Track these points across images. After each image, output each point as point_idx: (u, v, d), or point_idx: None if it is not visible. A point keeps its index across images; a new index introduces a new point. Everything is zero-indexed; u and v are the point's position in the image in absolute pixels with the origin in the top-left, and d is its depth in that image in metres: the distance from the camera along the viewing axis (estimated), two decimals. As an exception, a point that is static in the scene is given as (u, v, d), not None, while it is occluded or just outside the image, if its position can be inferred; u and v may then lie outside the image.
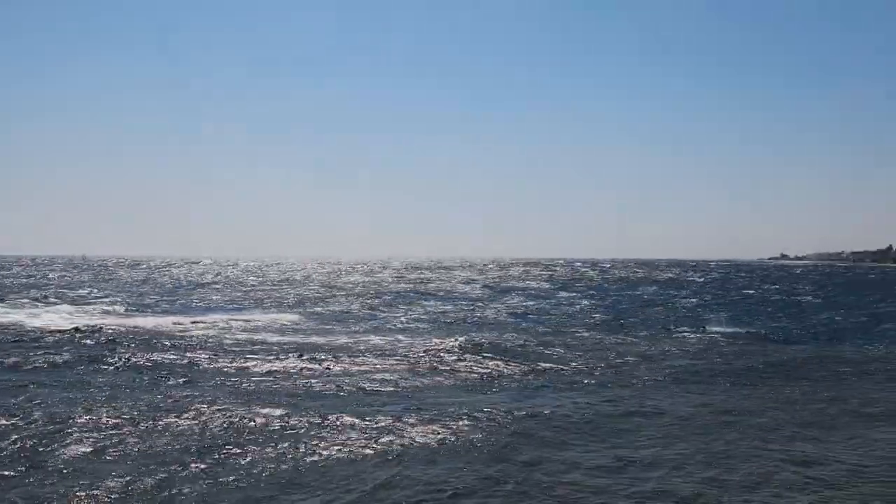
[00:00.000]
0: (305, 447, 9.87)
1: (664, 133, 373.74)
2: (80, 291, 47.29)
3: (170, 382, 14.79)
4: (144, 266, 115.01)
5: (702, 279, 77.20)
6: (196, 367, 16.64)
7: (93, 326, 23.97)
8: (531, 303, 41.60)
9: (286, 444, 9.99)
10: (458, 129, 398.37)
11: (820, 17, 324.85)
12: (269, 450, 9.73)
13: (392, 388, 14.49)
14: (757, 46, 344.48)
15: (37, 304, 35.68)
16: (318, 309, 35.62)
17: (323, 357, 18.16)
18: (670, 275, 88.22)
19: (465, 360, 18.18)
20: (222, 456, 9.44)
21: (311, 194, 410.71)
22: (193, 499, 7.97)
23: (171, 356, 18.05)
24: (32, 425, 10.82)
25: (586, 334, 25.19)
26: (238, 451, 9.66)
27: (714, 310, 37.09)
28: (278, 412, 11.78)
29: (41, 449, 9.65)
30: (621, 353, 19.65)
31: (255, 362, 17.32)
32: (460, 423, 11.24)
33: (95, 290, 48.53)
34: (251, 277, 75.49)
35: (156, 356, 17.97)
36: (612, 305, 39.81)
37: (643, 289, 57.56)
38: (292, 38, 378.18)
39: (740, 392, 14.26)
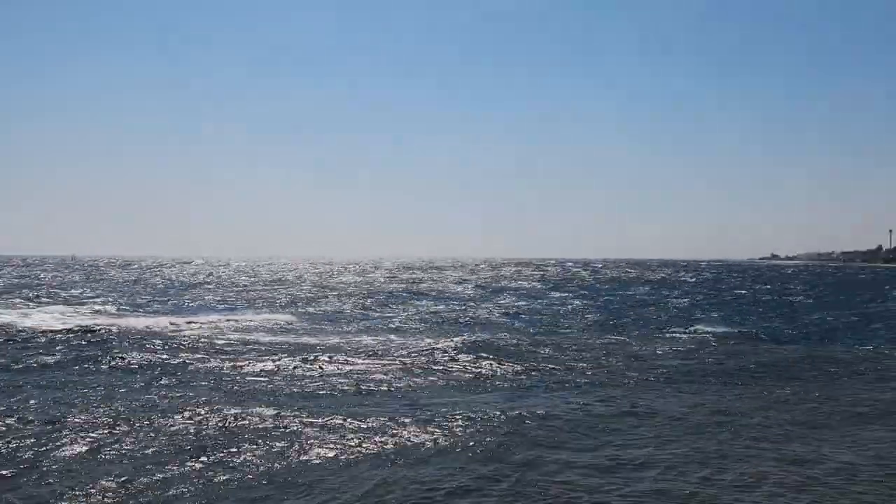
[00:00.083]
0: (299, 447, 9.88)
1: (657, 134, 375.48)
2: (73, 292, 47.14)
3: (163, 382, 14.77)
4: (136, 266, 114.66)
5: (693, 279, 77.46)
6: (189, 368, 16.62)
7: (85, 327, 23.91)
8: (523, 303, 41.65)
9: (280, 445, 10.00)
10: (458, 129, 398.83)
11: (817, 17, 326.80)
12: (263, 450, 9.74)
13: (385, 389, 14.51)
14: (749, 47, 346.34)
15: (28, 304, 35.56)
16: (311, 309, 35.59)
17: (316, 357, 18.14)
18: (662, 275, 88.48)
19: (458, 360, 18.19)
20: (217, 456, 9.44)
21: (311, 194, 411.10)
22: (189, 499, 7.97)
23: (164, 356, 18.01)
24: (27, 426, 10.81)
25: (578, 334, 25.26)
26: (232, 451, 9.66)
27: (706, 310, 37.23)
28: (272, 412, 11.79)
29: (36, 449, 9.63)
30: (614, 354, 19.70)
31: (248, 362, 17.30)
32: (454, 423, 11.26)
33: (87, 291, 48.37)
34: (243, 277, 75.35)
35: (148, 356, 17.94)
36: (605, 306, 39.89)
37: (635, 289, 57.72)
38: (292, 38, 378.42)
39: (732, 392, 14.33)
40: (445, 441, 10.27)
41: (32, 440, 10.03)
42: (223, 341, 21.44)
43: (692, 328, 27.49)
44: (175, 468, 8.94)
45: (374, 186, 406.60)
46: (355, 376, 15.74)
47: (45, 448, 9.70)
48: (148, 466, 8.96)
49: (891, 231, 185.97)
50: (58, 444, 9.87)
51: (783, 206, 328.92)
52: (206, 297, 44.18)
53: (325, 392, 14.07)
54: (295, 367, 16.73)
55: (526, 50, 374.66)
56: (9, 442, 9.94)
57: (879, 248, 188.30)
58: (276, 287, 56.77)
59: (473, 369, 16.96)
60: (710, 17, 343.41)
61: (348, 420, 11.36)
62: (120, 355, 17.89)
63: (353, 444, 10.08)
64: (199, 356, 18.16)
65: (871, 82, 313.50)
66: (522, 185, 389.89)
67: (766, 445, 10.08)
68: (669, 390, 14.51)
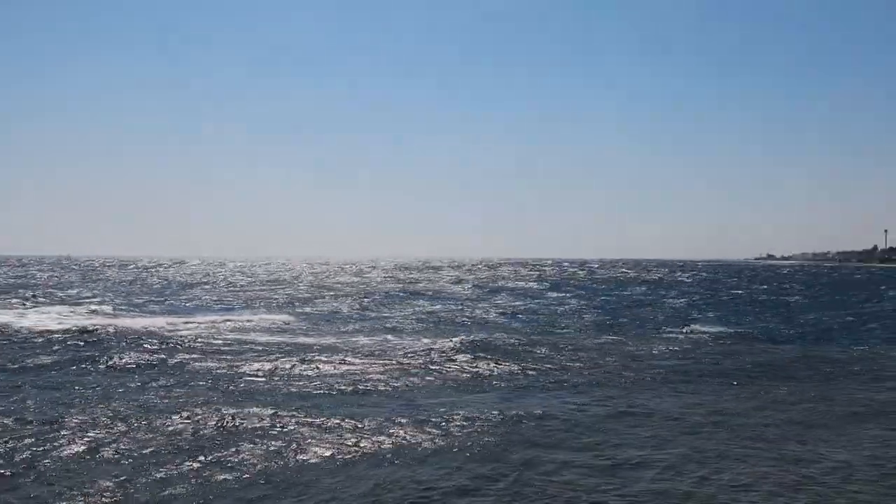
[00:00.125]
0: (297, 447, 9.90)
1: (654, 134, 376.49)
2: (70, 292, 47.07)
3: (160, 383, 14.77)
4: (132, 266, 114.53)
5: (690, 279, 77.58)
6: (186, 368, 16.63)
7: (82, 327, 23.88)
8: (521, 303, 41.69)
9: (278, 445, 10.02)
10: (458, 129, 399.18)
11: (816, 17, 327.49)
12: (260, 450, 9.76)
13: (383, 389, 14.53)
14: (745, 47, 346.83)
15: (25, 304, 35.51)
16: (308, 309, 35.59)
17: (313, 357, 18.16)
18: (659, 275, 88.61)
19: (455, 360, 18.22)
20: (214, 456, 9.45)
21: (311, 194, 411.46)
22: (186, 499, 7.99)
23: (161, 356, 18.02)
24: (25, 426, 10.81)
25: (575, 334, 25.31)
26: (230, 451, 9.68)
27: (702, 310, 37.31)
28: (269, 412, 11.81)
29: (34, 450, 9.64)
30: (611, 353, 19.75)
31: (245, 363, 17.31)
32: (451, 423, 11.29)
33: (84, 291, 48.31)
34: (241, 277, 75.31)
35: (146, 357, 17.95)
36: (601, 305, 39.94)
37: (632, 289, 57.80)
38: (292, 38, 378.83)
39: (729, 392, 14.38)
40: (443, 441, 10.30)
41: (30, 440, 10.03)
42: (220, 341, 21.45)
43: (689, 328, 27.55)
44: (173, 468, 8.96)
45: (374, 186, 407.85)
46: (352, 376, 15.76)
47: (43, 448, 9.70)
48: (146, 466, 8.98)
49: (886, 231, 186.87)
50: (56, 444, 9.87)
51: (779, 206, 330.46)
52: (203, 297, 44.15)
53: (322, 392, 14.09)
54: (292, 367, 16.74)
55: (526, 50, 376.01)
56: (7, 442, 9.94)
57: (875, 248, 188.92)
58: (273, 287, 56.76)
59: (470, 369, 16.99)
60: (709, 17, 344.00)
61: (346, 420, 11.38)
62: (117, 356, 17.88)
63: (350, 444, 10.11)
64: (197, 356, 18.17)
65: (867, 83, 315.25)
66: (522, 185, 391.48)
67: (763, 445, 10.13)
68: (666, 390, 14.56)
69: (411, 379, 15.63)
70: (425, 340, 22.29)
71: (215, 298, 43.47)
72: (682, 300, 44.86)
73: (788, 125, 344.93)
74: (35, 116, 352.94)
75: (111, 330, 23.12)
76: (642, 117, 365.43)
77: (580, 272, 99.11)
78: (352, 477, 8.72)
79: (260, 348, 20.00)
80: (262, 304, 39.19)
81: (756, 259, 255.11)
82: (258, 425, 11.02)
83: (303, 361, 17.52)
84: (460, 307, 38.03)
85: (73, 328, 23.49)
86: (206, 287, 56.52)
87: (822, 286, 63.25)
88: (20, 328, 24.02)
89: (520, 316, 33.31)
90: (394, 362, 17.75)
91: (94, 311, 32.14)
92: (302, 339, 22.60)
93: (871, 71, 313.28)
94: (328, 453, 9.66)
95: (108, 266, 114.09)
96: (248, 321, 28.43)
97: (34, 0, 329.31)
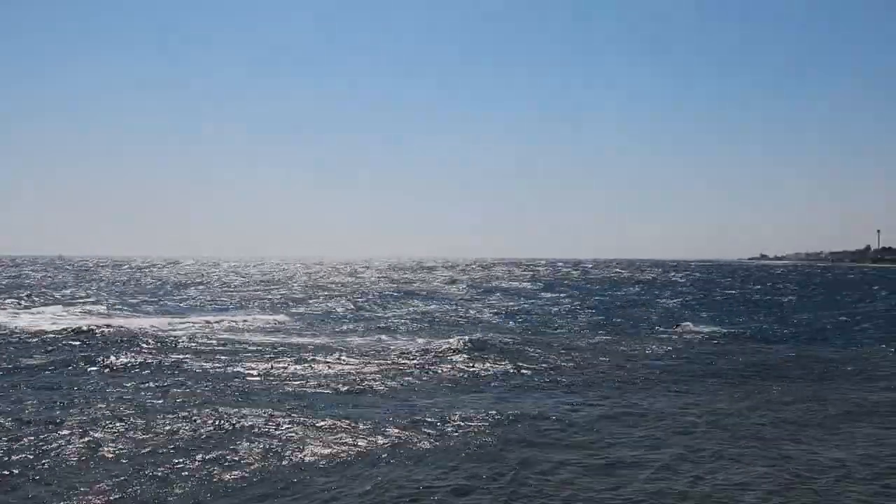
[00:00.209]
0: (293, 448, 9.92)
1: (648, 134, 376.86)
2: (65, 292, 46.95)
3: (156, 383, 14.76)
4: (126, 267, 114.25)
5: (684, 279, 77.75)
6: (182, 368, 16.62)
7: (77, 327, 23.84)
8: (515, 303, 41.75)
9: (274, 445, 10.04)
10: (457, 129, 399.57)
11: (808, 17, 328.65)
12: (257, 450, 9.78)
13: (378, 389, 14.56)
14: (739, 47, 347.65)
15: (20, 304, 35.43)
16: (303, 309, 35.60)
17: (308, 357, 18.18)
18: (652, 275, 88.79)
19: (450, 360, 18.27)
20: (210, 457, 9.47)
21: (311, 194, 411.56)
22: (184, 499, 8.02)
23: (157, 357, 18.00)
24: (21, 427, 10.80)
25: (570, 335, 25.37)
26: (226, 451, 9.69)
27: (696, 310, 37.42)
28: (265, 412, 11.82)
29: (32, 450, 9.64)
30: (605, 354, 19.82)
31: (240, 363, 17.31)
32: (447, 423, 11.33)
33: (79, 291, 48.20)
34: (235, 277, 75.22)
35: (141, 357, 17.93)
36: (596, 306, 40.01)
37: (626, 289, 57.92)
38: (292, 38, 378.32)
39: (723, 392, 14.45)
40: (439, 441, 10.34)
41: (27, 441, 10.03)
42: (215, 342, 21.44)
43: (683, 328, 27.64)
44: (169, 468, 8.97)
45: (374, 186, 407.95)
46: (348, 377, 15.79)
47: (40, 448, 9.70)
48: (143, 466, 8.99)
49: (879, 231, 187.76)
50: (53, 444, 9.87)
51: (772, 206, 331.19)
52: (197, 298, 44.11)
53: (317, 392, 14.11)
54: (287, 368, 16.76)
55: (526, 50, 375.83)
56: (4, 443, 9.94)
57: (868, 248, 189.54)
58: (267, 287, 56.71)
59: (465, 369, 17.03)
60: (709, 18, 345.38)
61: (341, 420, 11.41)
62: (112, 356, 17.86)
63: (346, 444, 10.13)
64: (192, 357, 18.17)
65: (861, 84, 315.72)
66: (522, 185, 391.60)
67: (758, 445, 10.20)
68: (660, 390, 14.63)
69: (406, 379, 15.67)
70: (420, 341, 22.34)
71: (209, 299, 43.43)
72: (675, 300, 44.97)
73: (781, 126, 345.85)
74: (35, 116, 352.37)
75: (106, 330, 23.09)
76: (630, 118, 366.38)
77: (574, 272, 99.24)
78: (348, 477, 8.76)
79: (255, 348, 20.01)
80: (256, 304, 39.17)
81: (749, 259, 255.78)
82: (254, 425, 11.03)
83: (297, 362, 17.54)
84: (455, 307, 38.07)
85: (68, 329, 23.44)
86: (201, 287, 56.44)
87: (816, 286, 63.48)
88: (14, 329, 23.97)
89: (515, 316, 33.36)
90: (389, 362, 17.78)
91: (88, 312, 32.09)
92: (296, 340, 22.62)
93: (865, 72, 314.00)
94: (324, 453, 9.69)
95: (102, 266, 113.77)
96: (243, 321, 28.42)
97: (34, 0, 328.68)
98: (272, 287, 56.90)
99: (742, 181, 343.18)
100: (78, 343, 20.53)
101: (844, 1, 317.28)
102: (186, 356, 18.22)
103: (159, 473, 8.78)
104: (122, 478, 8.58)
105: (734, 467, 9.12)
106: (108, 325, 24.43)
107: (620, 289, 58.47)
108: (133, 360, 17.52)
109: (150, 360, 17.45)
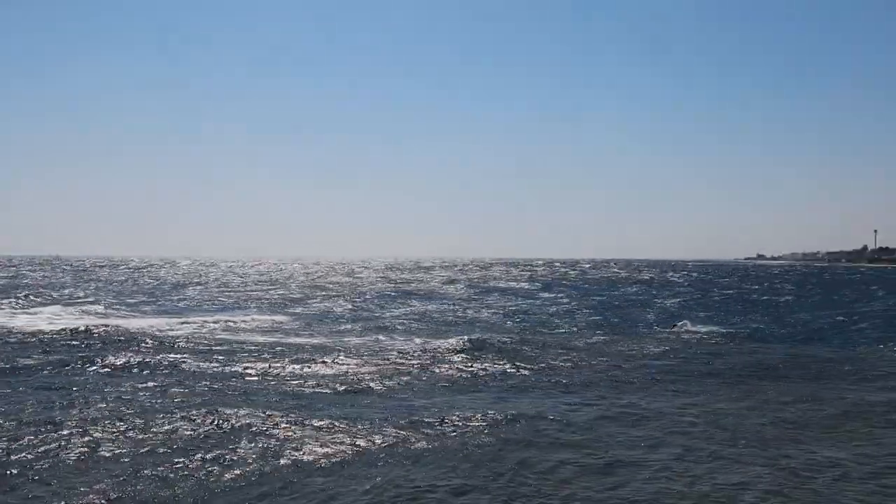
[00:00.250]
0: (292, 448, 9.92)
1: (646, 135, 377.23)
2: (63, 292, 46.91)
3: (154, 383, 14.77)
4: (123, 267, 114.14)
5: (682, 279, 77.83)
6: (180, 368, 16.63)
7: (75, 328, 23.83)
8: (513, 303, 41.78)
9: (273, 445, 10.04)
10: (458, 129, 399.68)
11: (807, 17, 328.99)
12: (256, 450, 9.79)
13: (376, 389, 14.57)
14: (737, 47, 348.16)
15: (18, 304, 35.40)
16: (301, 309, 35.60)
17: (306, 357, 18.20)
18: (650, 275, 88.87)
19: (448, 360, 18.29)
20: (209, 456, 9.47)
21: (311, 194, 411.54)
22: (182, 499, 8.03)
23: (155, 357, 18.00)
24: (20, 427, 10.80)
25: (568, 334, 25.40)
26: (224, 451, 9.70)
27: (694, 310, 37.46)
28: (263, 413, 11.83)
29: (30, 450, 9.64)
30: (603, 354, 19.86)
31: (238, 363, 17.32)
32: (445, 423, 11.35)
33: (78, 291, 48.16)
34: (233, 277, 75.18)
35: (140, 357, 17.93)
36: (594, 306, 40.05)
37: (624, 289, 57.96)
38: (292, 38, 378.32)
39: (722, 392, 14.48)
40: (437, 441, 10.35)
41: (25, 441, 10.02)
42: (213, 341, 21.45)
43: (681, 328, 27.66)
44: (167, 468, 8.98)
45: (374, 186, 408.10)
46: (346, 377, 15.80)
47: (38, 449, 9.70)
48: (140, 467, 9.00)
49: (876, 231, 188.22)
50: (51, 444, 9.87)
51: (769, 206, 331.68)
52: (195, 298, 44.10)
53: (315, 392, 14.12)
54: (285, 368, 16.77)
55: (526, 50, 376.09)
56: (2, 443, 9.94)
57: (864, 248, 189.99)
58: (265, 287, 56.70)
59: (464, 369, 17.05)
60: (708, 18, 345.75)
61: (340, 420, 11.42)
62: (111, 356, 17.86)
63: (345, 444, 10.14)
64: (190, 356, 18.17)
65: (858, 84, 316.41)
66: (521, 186, 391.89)
67: (756, 445, 10.23)
68: (658, 390, 14.66)
69: (404, 379, 15.68)
70: (418, 340, 22.37)
71: (207, 299, 43.42)
72: (673, 300, 45.02)
73: (779, 126, 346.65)
74: (35, 116, 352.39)
75: (104, 330, 23.09)
76: (627, 118, 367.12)
77: (571, 272, 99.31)
78: (347, 477, 8.77)
79: (253, 348, 20.02)
80: (254, 304, 39.17)
81: (746, 259, 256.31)
82: (252, 425, 11.04)
83: (296, 361, 17.56)
84: (453, 307, 38.10)
85: (67, 329, 23.43)
86: (199, 287, 56.41)
87: (813, 286, 63.56)
88: (13, 329, 23.96)
89: (513, 316, 33.39)
90: (387, 362, 17.80)
91: (86, 312, 32.07)
92: (295, 340, 22.63)
93: (861, 72, 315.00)
94: (323, 453, 9.70)
95: (99, 266, 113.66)
96: (241, 321, 28.43)
97: (34, 0, 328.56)
98: (270, 287, 56.90)
99: (739, 181, 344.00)
100: (76, 343, 20.53)
101: (844, 1, 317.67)
102: (184, 356, 18.22)
103: (158, 473, 8.79)
104: (120, 477, 8.59)
105: (732, 467, 9.15)
106: (106, 326, 24.44)
107: (618, 289, 58.52)
108: (131, 360, 17.52)
109: (148, 360, 17.45)
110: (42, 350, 19.18)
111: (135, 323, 26.97)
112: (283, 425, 11.09)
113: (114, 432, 10.57)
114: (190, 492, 8.23)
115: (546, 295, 49.29)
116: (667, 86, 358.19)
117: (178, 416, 11.59)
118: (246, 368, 16.61)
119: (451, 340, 21.38)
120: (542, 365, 17.74)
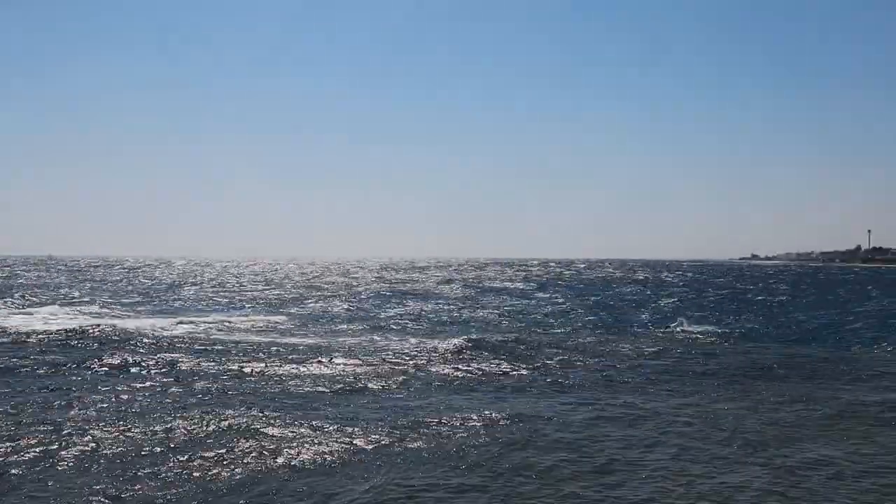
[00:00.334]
0: (288, 448, 9.93)
1: (645, 135, 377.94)
2: (59, 292, 46.81)
3: (150, 383, 14.77)
4: (118, 267, 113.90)
5: (677, 279, 77.95)
6: (176, 368, 16.63)
7: (71, 328, 23.80)
8: (508, 303, 41.81)
9: (269, 445, 10.05)
10: (457, 129, 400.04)
11: (805, 17, 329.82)
12: (252, 451, 9.79)
13: (373, 389, 14.58)
14: (732, 47, 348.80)
15: (13, 304, 35.32)
16: (297, 309, 35.59)
17: (303, 357, 18.20)
18: (646, 275, 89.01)
19: (444, 360, 18.31)
20: (206, 457, 9.48)
21: (311, 194, 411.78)
22: (179, 499, 8.04)
23: (152, 357, 17.99)
24: (18, 427, 10.81)
25: (564, 335, 25.43)
26: (222, 452, 9.71)
27: (690, 309, 37.52)
28: (260, 413, 11.86)
29: (29, 451, 9.65)
30: (599, 354, 19.90)
31: (234, 363, 17.32)
32: (442, 423, 11.38)
33: (73, 291, 48.07)
34: (228, 277, 75.09)
35: (136, 357, 17.92)
36: (589, 306, 40.08)
37: (619, 289, 58.03)
38: (292, 38, 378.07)
39: (717, 392, 14.53)
40: (433, 441, 10.38)
41: (23, 441, 10.03)
42: (211, 342, 21.44)
43: (676, 328, 27.74)
44: (164, 468, 8.99)
45: (373, 186, 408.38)
46: (342, 377, 15.82)
47: (37, 449, 9.71)
48: (138, 467, 9.01)
49: (869, 231, 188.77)
50: (49, 444, 9.88)
51: (763, 206, 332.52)
52: (191, 298, 44.04)
53: (312, 392, 14.12)
54: (281, 368, 16.77)
55: (525, 50, 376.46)
56: (1, 444, 9.95)
57: (858, 248, 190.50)
58: (262, 287, 56.65)
59: (460, 369, 17.07)
60: (707, 18, 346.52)
61: (336, 421, 11.44)
62: (107, 356, 17.85)
63: (341, 444, 10.16)
64: (188, 357, 18.16)
65: (852, 84, 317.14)
66: (518, 186, 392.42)
67: (752, 445, 10.28)
68: (654, 390, 14.71)
69: (400, 379, 15.69)
70: (414, 340, 22.39)
71: (203, 299, 43.38)
72: (668, 300, 45.09)
73: (773, 126, 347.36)
74: (35, 116, 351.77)
75: (100, 330, 23.07)
76: (624, 118, 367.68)
77: (566, 272, 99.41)
78: (344, 476, 8.80)
79: (249, 348, 20.01)
80: (250, 304, 39.15)
81: (741, 259, 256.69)
82: (249, 425, 11.06)
83: (291, 361, 17.56)
84: (448, 307, 38.12)
85: (64, 329, 23.40)
86: (195, 287, 56.34)
87: (808, 286, 63.73)
88: (8, 329, 23.91)
89: (509, 316, 33.42)
90: (383, 362, 17.82)
91: (82, 312, 32.02)
92: (290, 339, 22.63)
93: (857, 73, 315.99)
94: (319, 453, 9.72)
95: (94, 266, 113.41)
96: (237, 321, 28.41)
97: (34, 0, 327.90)
98: (266, 287, 56.86)
99: (733, 182, 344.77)
100: (72, 343, 20.52)
101: (840, 1, 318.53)
102: (181, 356, 18.21)
103: (155, 473, 8.80)
104: (118, 478, 8.60)
105: (728, 467, 9.20)
106: (102, 326, 24.41)
107: (613, 289, 58.59)
108: (128, 360, 17.52)
109: (144, 361, 17.45)
110: (38, 350, 19.16)
111: (131, 323, 26.93)
112: (280, 425, 11.11)
113: (110, 432, 10.58)
114: (188, 492, 8.25)
115: (541, 295, 49.33)
116: (664, 86, 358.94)
117: (175, 415, 11.61)
118: (242, 368, 16.62)
119: (446, 340, 21.40)
120: (538, 365, 17.78)
